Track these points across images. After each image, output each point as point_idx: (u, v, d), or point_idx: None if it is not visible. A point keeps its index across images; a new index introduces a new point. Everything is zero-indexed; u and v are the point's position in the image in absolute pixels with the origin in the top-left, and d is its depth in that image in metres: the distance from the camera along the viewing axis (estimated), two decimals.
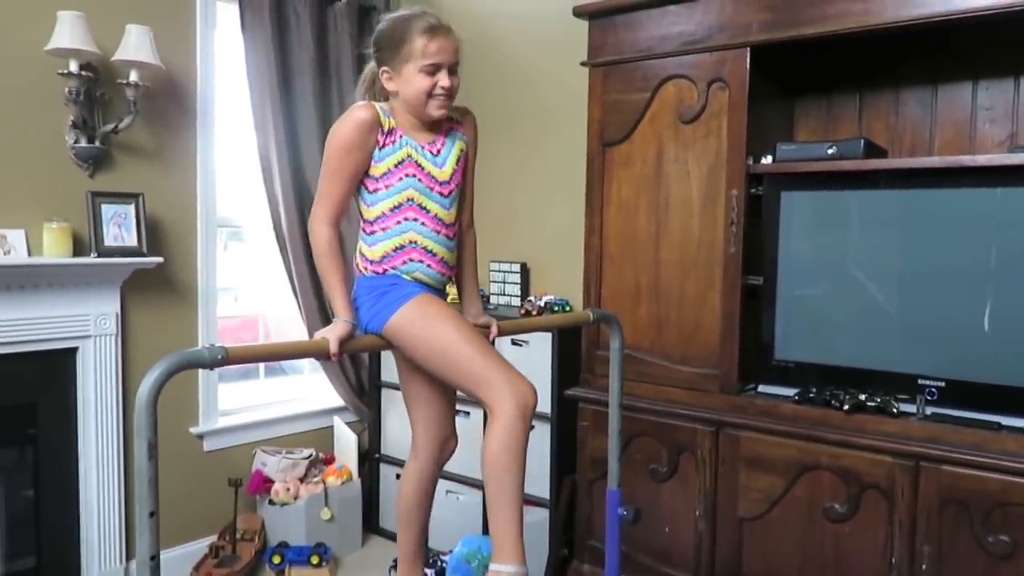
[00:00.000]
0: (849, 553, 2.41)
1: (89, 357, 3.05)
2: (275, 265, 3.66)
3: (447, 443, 2.18)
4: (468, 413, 3.29)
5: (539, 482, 3.15)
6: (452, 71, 1.89)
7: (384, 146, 1.87)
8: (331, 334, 1.76)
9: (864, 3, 2.35)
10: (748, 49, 2.55)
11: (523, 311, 3.28)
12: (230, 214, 3.67)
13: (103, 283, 3.06)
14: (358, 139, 1.85)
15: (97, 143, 3.03)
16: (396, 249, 1.90)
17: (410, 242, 1.90)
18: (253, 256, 3.86)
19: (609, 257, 2.93)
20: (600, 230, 2.94)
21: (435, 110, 1.88)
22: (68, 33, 2.80)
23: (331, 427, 3.86)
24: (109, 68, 3.01)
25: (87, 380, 3.06)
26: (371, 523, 3.79)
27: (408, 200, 1.89)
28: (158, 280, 3.25)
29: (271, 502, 3.47)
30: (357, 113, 1.85)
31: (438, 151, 1.94)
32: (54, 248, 2.87)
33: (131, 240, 3.06)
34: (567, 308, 3.29)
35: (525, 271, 3.60)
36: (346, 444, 3.74)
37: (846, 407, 2.41)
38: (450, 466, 3.26)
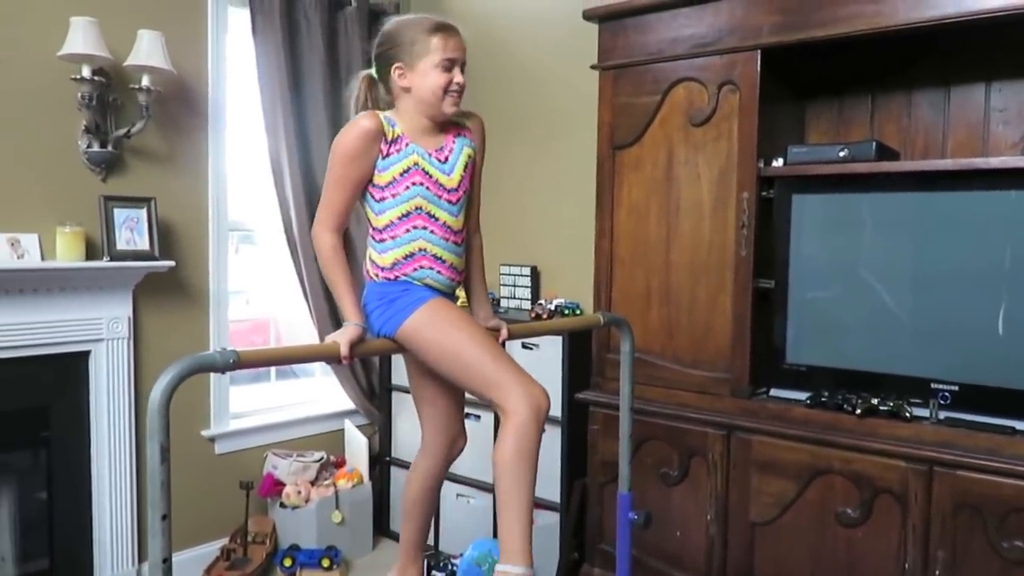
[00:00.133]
0: (862, 558, 2.39)
1: (101, 360, 3.07)
2: (286, 268, 3.67)
3: (456, 442, 2.20)
4: (479, 416, 3.29)
5: (550, 486, 3.15)
6: (463, 70, 1.93)
7: (388, 155, 1.88)
8: (342, 338, 1.77)
9: (876, 5, 2.34)
10: (759, 51, 2.55)
11: (533, 314, 3.28)
12: (241, 217, 3.68)
13: (115, 287, 3.08)
14: (361, 148, 1.86)
15: (109, 147, 3.05)
16: (406, 257, 1.91)
17: (420, 250, 1.91)
18: (264, 259, 3.88)
19: (619, 260, 2.92)
20: (610, 233, 2.93)
21: (450, 107, 1.91)
22: (81, 38, 2.82)
23: (342, 430, 3.87)
24: (121, 73, 3.03)
25: (99, 383, 3.07)
26: (382, 526, 3.80)
27: (417, 208, 1.90)
28: (170, 284, 3.27)
29: (282, 505, 3.48)
30: (362, 122, 1.86)
31: (445, 158, 1.94)
32: (67, 252, 2.89)
33: (143, 244, 3.08)
34: (577, 311, 3.28)
35: (535, 274, 3.60)
36: (357, 447, 3.74)
37: (858, 411, 2.40)
38: (460, 469, 3.28)
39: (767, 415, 2.58)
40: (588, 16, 2.93)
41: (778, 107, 2.70)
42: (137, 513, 3.17)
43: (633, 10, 2.81)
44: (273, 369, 3.91)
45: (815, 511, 2.47)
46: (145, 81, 3.01)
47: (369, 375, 3.85)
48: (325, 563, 3.31)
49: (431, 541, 3.42)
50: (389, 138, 1.88)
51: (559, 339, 3.11)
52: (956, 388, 2.32)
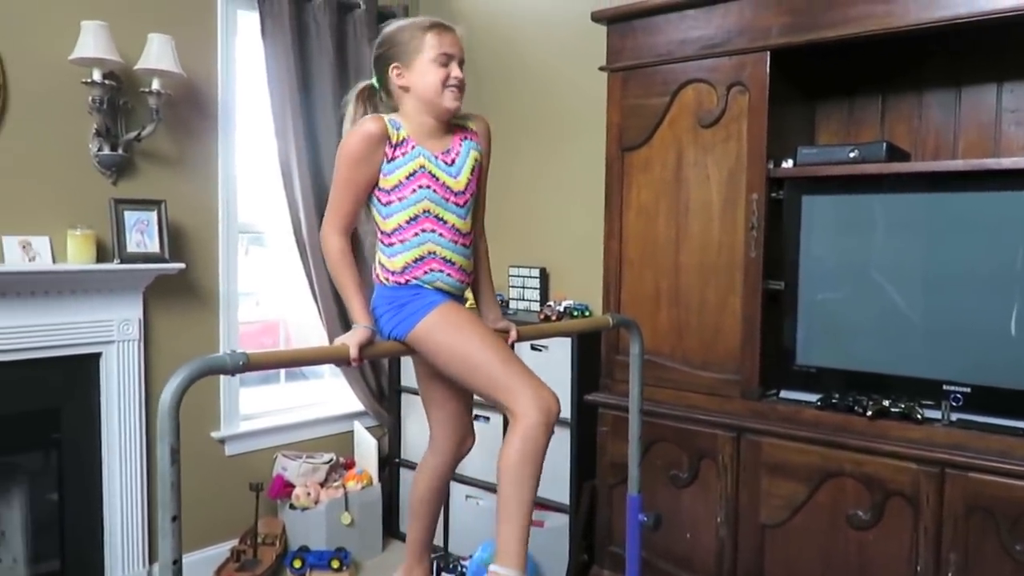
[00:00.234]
0: (873, 561, 2.38)
1: (112, 362, 3.08)
2: (295, 270, 3.68)
3: (464, 442, 2.20)
4: (488, 418, 3.29)
5: (559, 487, 3.14)
6: (462, 67, 1.93)
7: (393, 159, 1.88)
8: (351, 340, 1.77)
9: (886, 5, 2.33)
10: (768, 53, 2.54)
11: (542, 316, 3.28)
12: (251, 219, 3.69)
13: (126, 289, 3.09)
14: (365, 151, 1.86)
15: (120, 151, 3.06)
16: (416, 260, 1.91)
17: (429, 253, 1.91)
18: (274, 261, 3.89)
19: (629, 262, 2.92)
20: (619, 235, 2.93)
21: (450, 101, 1.90)
22: (92, 42, 2.84)
23: (351, 432, 3.87)
24: (132, 77, 3.05)
25: (110, 385, 3.09)
26: (391, 527, 3.80)
27: (424, 212, 1.90)
28: (180, 286, 3.28)
29: (292, 506, 3.48)
30: (366, 126, 1.87)
31: (452, 160, 1.94)
32: (78, 255, 2.90)
33: (153, 246, 3.09)
34: (587, 313, 3.28)
35: (544, 276, 3.60)
36: (366, 449, 3.75)
37: (869, 413, 2.39)
38: (470, 471, 3.28)
39: (777, 417, 2.57)
40: (597, 18, 2.93)
41: (787, 108, 2.69)
42: (148, 514, 3.18)
43: (642, 12, 2.80)
44: (283, 371, 3.91)
45: (826, 513, 2.46)
46: (155, 84, 3.02)
47: (378, 377, 3.86)
48: (335, 564, 3.31)
49: (440, 542, 3.42)
50: (394, 141, 1.87)
51: (568, 341, 3.10)
52: (968, 390, 2.31)
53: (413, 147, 1.89)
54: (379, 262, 1.95)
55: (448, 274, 1.93)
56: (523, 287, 3.61)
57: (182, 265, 3.18)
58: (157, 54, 2.98)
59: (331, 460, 3.64)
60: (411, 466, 3.72)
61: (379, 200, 1.92)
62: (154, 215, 3.11)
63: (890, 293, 2.47)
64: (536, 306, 3.53)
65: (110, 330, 3.06)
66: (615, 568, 2.92)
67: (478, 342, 1.85)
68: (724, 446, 2.66)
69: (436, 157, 1.91)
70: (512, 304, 3.63)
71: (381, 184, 1.90)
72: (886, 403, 2.39)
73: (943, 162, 2.53)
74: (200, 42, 3.32)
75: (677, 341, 2.81)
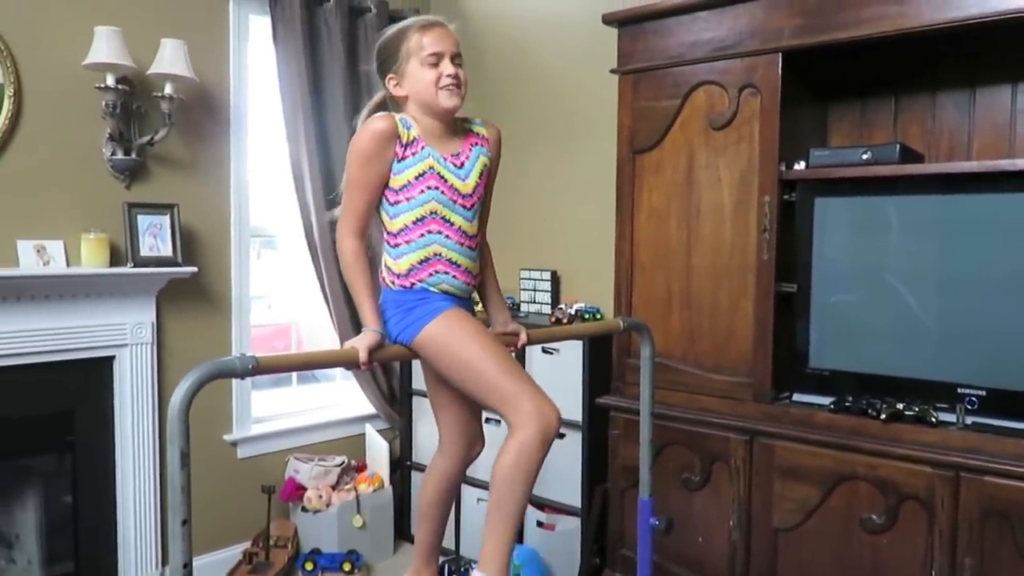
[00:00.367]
0: (887, 565, 2.36)
1: (125, 365, 3.10)
2: (307, 273, 3.69)
3: (474, 445, 2.18)
4: (499, 422, 3.27)
5: (571, 490, 3.14)
6: (456, 62, 1.88)
7: (404, 158, 1.86)
8: (360, 344, 1.76)
9: (899, 6, 2.31)
10: (780, 54, 2.53)
11: (553, 319, 3.27)
12: (263, 223, 3.71)
13: (139, 292, 3.11)
14: (376, 150, 1.84)
15: (133, 155, 3.08)
16: (422, 262, 1.89)
17: (435, 254, 1.89)
18: (285, 264, 3.90)
19: (640, 264, 2.91)
20: (631, 237, 2.92)
21: (447, 100, 1.86)
22: (105, 48, 2.86)
23: (363, 435, 3.88)
24: (145, 81, 3.07)
25: (123, 388, 3.11)
26: (403, 530, 3.80)
27: (431, 213, 1.88)
28: (193, 289, 3.29)
29: (304, 509, 3.49)
30: (375, 124, 1.85)
31: (461, 164, 1.92)
32: (92, 258, 2.93)
33: (166, 250, 3.11)
34: (598, 316, 3.27)
35: (555, 279, 3.59)
36: (378, 452, 3.75)
37: (883, 416, 2.37)
38: (480, 473, 3.27)
39: (790, 420, 2.56)
40: (607, 20, 2.92)
41: (799, 110, 2.68)
42: (161, 516, 3.20)
43: (653, 14, 2.80)
44: (294, 374, 3.92)
45: (839, 517, 2.45)
46: (168, 89, 3.04)
47: (390, 380, 3.86)
48: (346, 567, 3.32)
49: (452, 545, 3.41)
50: (404, 140, 1.86)
51: (579, 344, 3.09)
52: (983, 393, 2.28)
53: (423, 147, 1.87)
54: (385, 264, 1.93)
55: (454, 276, 1.92)
56: (534, 290, 3.61)
57: (195, 269, 3.19)
58: (170, 59, 3.00)
59: (343, 463, 3.65)
60: (422, 469, 3.72)
61: (387, 199, 1.90)
62: (167, 219, 3.13)
63: (904, 295, 2.45)
64: (547, 309, 3.53)
65: (123, 333, 3.08)
66: (627, 572, 2.91)
67: (481, 351, 1.83)
68: (736, 449, 2.65)
69: (445, 159, 1.90)
70: (523, 307, 3.62)
71: (390, 183, 1.88)
72: (900, 406, 2.37)
73: (957, 163, 2.51)
74: (212, 47, 3.34)
75: (689, 344, 2.79)
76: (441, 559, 2.79)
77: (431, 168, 1.87)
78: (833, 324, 2.58)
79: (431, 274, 1.89)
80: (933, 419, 2.31)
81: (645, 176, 2.88)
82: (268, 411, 3.74)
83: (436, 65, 1.85)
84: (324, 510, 3.46)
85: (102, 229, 2.97)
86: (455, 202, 1.90)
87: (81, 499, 3.07)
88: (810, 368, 2.60)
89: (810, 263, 2.59)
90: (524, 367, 3.26)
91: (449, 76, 1.85)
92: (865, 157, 2.46)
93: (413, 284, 1.89)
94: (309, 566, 3.30)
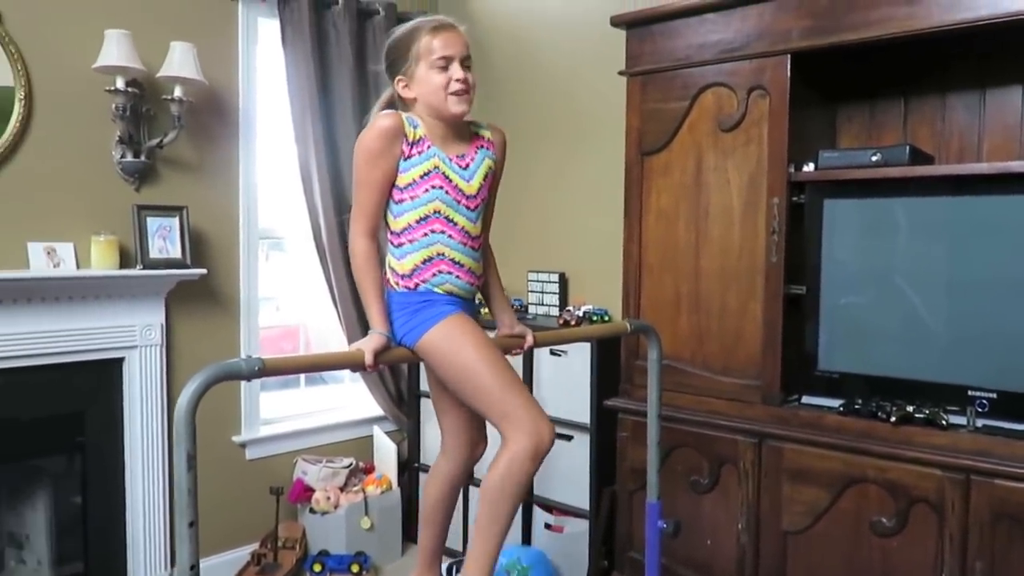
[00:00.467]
0: (897, 568, 2.35)
1: (135, 367, 3.11)
2: (315, 275, 3.70)
3: (476, 447, 2.18)
4: None
5: (579, 493, 3.14)
6: (465, 65, 1.88)
7: (410, 156, 1.86)
8: (366, 346, 1.77)
9: (909, 7, 2.30)
10: (788, 56, 2.52)
11: (561, 321, 3.27)
12: (271, 225, 3.72)
13: (148, 294, 3.12)
14: (383, 147, 1.84)
15: (143, 158, 3.09)
16: (425, 261, 1.88)
17: (438, 254, 1.89)
18: (294, 266, 3.91)
19: (648, 267, 2.90)
20: (639, 239, 2.92)
21: (455, 105, 1.86)
22: (115, 51, 2.87)
23: (371, 436, 3.88)
24: (154, 84, 3.08)
25: (133, 389, 3.12)
26: (411, 532, 3.79)
27: (435, 212, 1.88)
28: (201, 291, 3.31)
29: (312, 511, 3.50)
30: (381, 121, 1.85)
31: (466, 165, 1.92)
32: (101, 260, 2.94)
33: (175, 252, 3.12)
34: (606, 318, 3.26)
35: (563, 281, 3.59)
36: (386, 453, 3.76)
37: (893, 419, 2.36)
38: None
39: (799, 423, 2.55)
40: (616, 22, 2.92)
41: (808, 111, 2.67)
42: (169, 517, 3.21)
43: (661, 16, 2.79)
44: (302, 375, 3.93)
45: (849, 520, 2.43)
46: (177, 92, 3.05)
47: (398, 382, 3.87)
48: (354, 569, 3.32)
49: (459, 547, 3.41)
50: (411, 139, 1.85)
51: (587, 346, 3.09)
52: (994, 396, 2.27)
53: (429, 147, 1.87)
54: (389, 266, 1.93)
55: (457, 276, 1.91)
56: (542, 292, 3.60)
57: (203, 271, 3.20)
58: (179, 62, 3.02)
59: (351, 464, 3.65)
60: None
61: (392, 198, 1.89)
62: (176, 221, 3.14)
63: (914, 298, 2.44)
64: (555, 311, 3.52)
65: (133, 335, 3.09)
66: (635, 574, 2.90)
67: (480, 360, 1.83)
68: (745, 452, 2.64)
69: (451, 160, 1.90)
70: (531, 309, 3.62)
71: (396, 182, 1.87)
72: (910, 409, 2.35)
73: (967, 165, 2.50)
74: (221, 50, 3.35)
75: (697, 346, 2.79)
76: (448, 561, 2.80)
77: (436, 168, 1.87)
78: (842, 326, 2.57)
79: (434, 274, 1.89)
80: (943, 422, 2.30)
81: (653, 178, 2.88)
82: (276, 413, 3.74)
83: (446, 69, 1.85)
84: (332, 512, 3.47)
85: (112, 231, 2.98)
86: (459, 202, 1.90)
87: (91, 500, 3.08)
88: (819, 370, 2.59)
89: (819, 265, 2.58)
90: (532, 369, 3.27)
91: (459, 81, 1.85)
92: (874, 159, 2.45)
93: (417, 285, 1.89)
94: (317, 568, 3.31)
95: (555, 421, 3.14)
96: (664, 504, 2.38)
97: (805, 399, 2.61)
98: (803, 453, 2.52)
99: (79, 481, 3.09)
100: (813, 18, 2.47)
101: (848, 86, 2.82)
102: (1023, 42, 2.41)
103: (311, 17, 3.49)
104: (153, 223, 3.08)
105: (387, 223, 1.93)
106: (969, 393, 2.31)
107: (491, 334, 1.99)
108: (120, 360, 3.09)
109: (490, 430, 2.20)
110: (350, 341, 3.56)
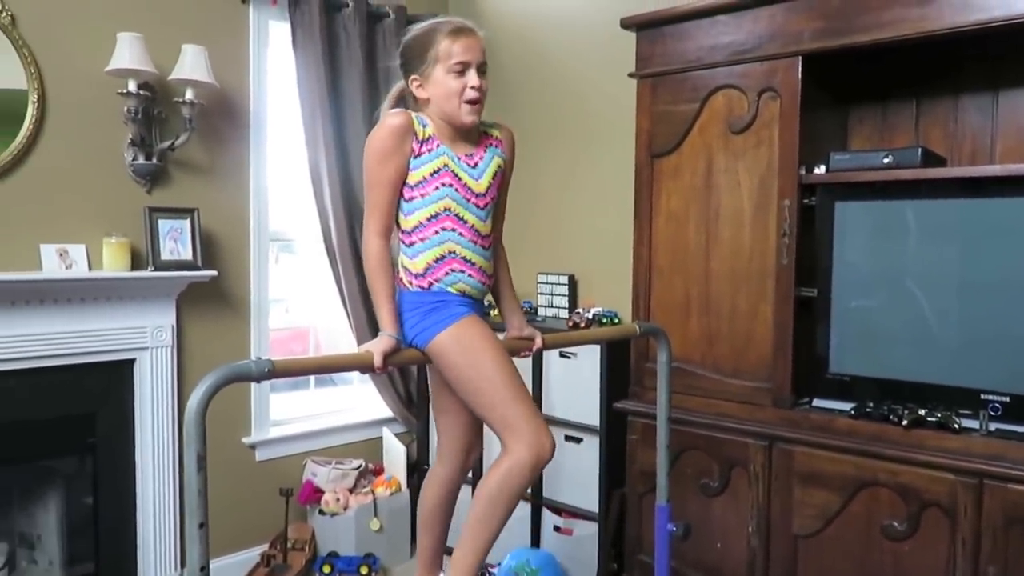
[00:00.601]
0: (909, 572, 2.33)
1: (146, 368, 3.12)
2: (325, 277, 3.71)
3: (471, 451, 2.19)
4: None
5: (588, 495, 3.13)
6: (481, 72, 1.88)
7: (420, 154, 1.86)
8: (376, 348, 1.77)
9: (921, 9, 2.29)
10: (800, 58, 2.51)
11: (571, 323, 3.26)
12: (282, 227, 3.73)
13: (159, 296, 3.14)
14: (393, 145, 1.84)
15: (154, 160, 3.11)
16: (437, 260, 1.89)
17: (450, 252, 1.89)
18: (304, 268, 3.92)
19: (658, 269, 2.89)
20: (649, 241, 2.91)
21: (467, 115, 1.87)
22: (127, 54, 2.89)
23: (380, 438, 3.89)
24: (166, 87, 3.10)
25: (144, 390, 3.13)
26: None
27: (445, 210, 1.88)
28: (212, 293, 3.32)
29: (321, 512, 3.50)
30: (389, 120, 1.85)
31: (475, 164, 1.92)
32: (113, 262, 2.95)
33: (186, 254, 3.13)
34: (616, 320, 3.26)
35: (573, 283, 3.58)
36: (395, 455, 3.76)
37: (905, 422, 2.34)
38: None
39: (810, 426, 2.53)
40: (626, 24, 2.92)
41: (819, 113, 2.66)
42: (180, 518, 3.21)
43: (671, 18, 2.79)
44: (312, 377, 3.94)
45: (860, 524, 2.42)
46: (189, 94, 3.06)
47: (407, 383, 3.87)
48: (363, 570, 3.32)
49: None
50: (420, 137, 1.86)
51: (597, 348, 3.09)
52: (1007, 399, 2.25)
53: (438, 145, 1.88)
54: (402, 265, 1.93)
55: (469, 275, 1.92)
56: (551, 294, 3.60)
57: (214, 272, 3.21)
58: (191, 65, 3.03)
59: (360, 466, 3.66)
60: None
61: (402, 196, 1.89)
62: (187, 223, 3.15)
63: (925, 300, 2.43)
64: (565, 313, 3.52)
65: (144, 336, 3.10)
66: None
67: (489, 367, 1.84)
68: (756, 455, 2.63)
69: (460, 159, 1.90)
70: (540, 311, 3.62)
71: (407, 179, 1.88)
72: (922, 412, 2.34)
73: (980, 167, 2.48)
74: (232, 53, 3.37)
75: (708, 349, 2.78)
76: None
77: (445, 165, 1.87)
78: (854, 329, 2.55)
79: (447, 273, 1.89)
80: (956, 425, 2.28)
81: (663, 180, 2.87)
82: (286, 414, 3.75)
83: (462, 74, 1.85)
84: (341, 513, 3.47)
85: (123, 233, 3.00)
86: (468, 200, 1.90)
87: (102, 501, 3.10)
88: (830, 373, 2.58)
89: (830, 267, 2.57)
90: (541, 371, 3.26)
91: (474, 88, 1.85)
92: (886, 161, 2.44)
93: (431, 284, 1.89)
94: (326, 569, 3.31)
95: (564, 423, 3.18)
96: (674, 507, 2.37)
97: (816, 402, 2.60)
98: (814, 456, 2.50)
99: (90, 482, 3.11)
100: (825, 20, 2.46)
101: (860, 88, 2.81)
102: None
103: (321, 20, 3.50)
104: (164, 225, 3.10)
105: (398, 223, 1.93)
106: (982, 396, 2.29)
107: (500, 336, 1.99)
108: (131, 361, 3.11)
109: (487, 434, 2.21)
110: (360, 343, 3.57)
